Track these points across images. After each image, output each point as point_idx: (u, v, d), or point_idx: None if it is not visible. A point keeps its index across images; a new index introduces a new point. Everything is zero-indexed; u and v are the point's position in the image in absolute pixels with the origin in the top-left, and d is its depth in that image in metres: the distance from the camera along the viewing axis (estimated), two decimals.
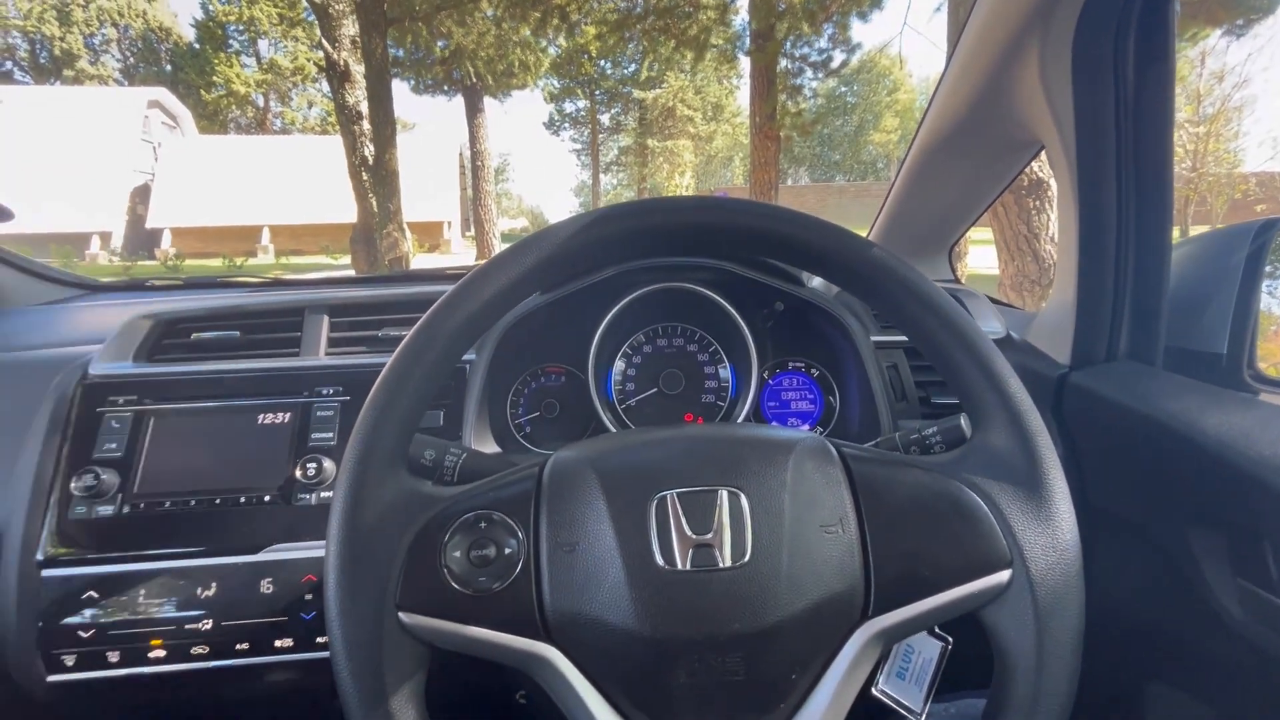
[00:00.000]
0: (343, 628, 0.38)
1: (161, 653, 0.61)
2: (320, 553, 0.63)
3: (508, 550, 0.41)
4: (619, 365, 0.85)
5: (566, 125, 27.62)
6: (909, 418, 0.75)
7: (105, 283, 1.32)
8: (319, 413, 0.69)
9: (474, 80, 14.16)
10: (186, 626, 0.61)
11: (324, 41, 6.93)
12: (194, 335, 0.73)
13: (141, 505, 0.64)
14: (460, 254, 18.70)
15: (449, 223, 20.40)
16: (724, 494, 0.41)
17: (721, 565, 0.39)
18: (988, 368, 0.43)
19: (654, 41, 8.45)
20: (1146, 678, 0.64)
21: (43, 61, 29.04)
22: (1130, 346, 0.68)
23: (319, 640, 0.63)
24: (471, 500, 0.43)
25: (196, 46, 29.13)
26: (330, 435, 0.68)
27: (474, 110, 16.19)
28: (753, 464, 0.42)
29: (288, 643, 0.62)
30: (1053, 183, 2.64)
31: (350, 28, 6.86)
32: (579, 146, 29.57)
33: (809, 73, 9.30)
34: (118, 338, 0.71)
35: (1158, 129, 0.62)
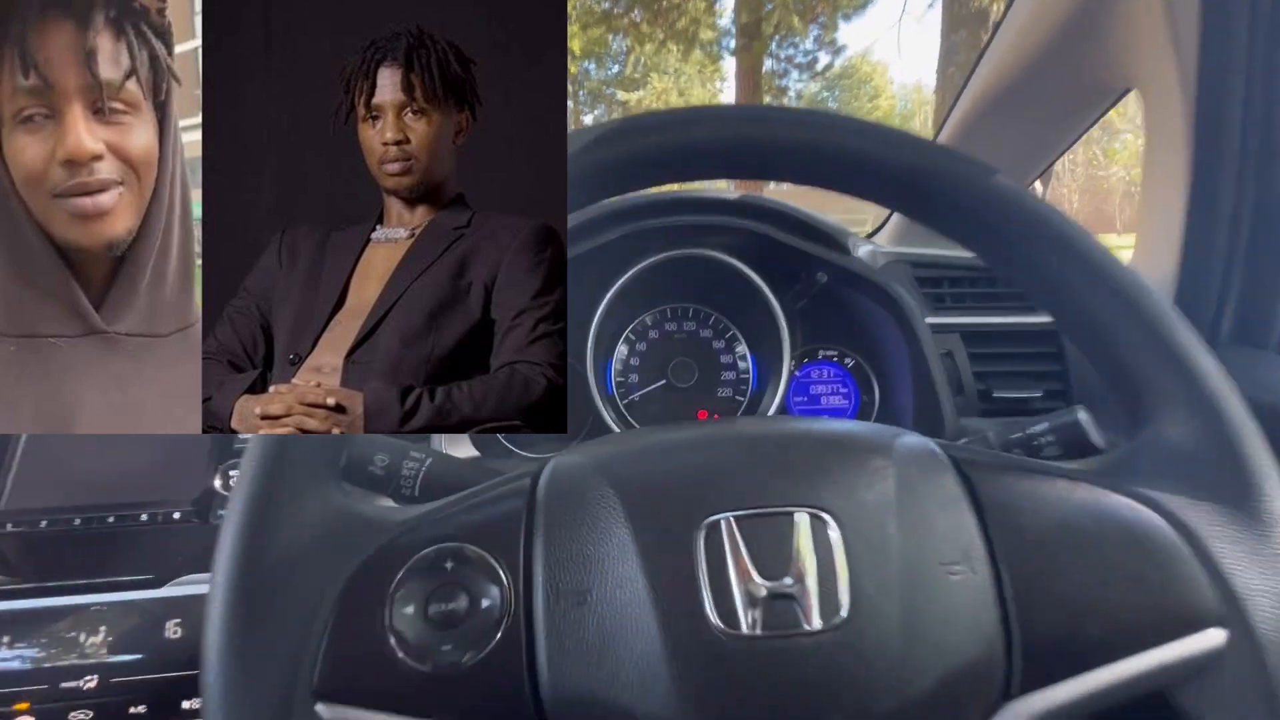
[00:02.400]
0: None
1: None
2: None
3: (485, 603, 0.28)
4: (620, 352, 0.72)
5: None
6: (965, 416, 0.63)
7: None
8: None
9: None
10: (63, 685, 0.47)
11: None
12: None
13: (6, 526, 0.49)
14: None
15: None
16: (803, 518, 0.28)
17: (807, 627, 0.26)
18: (1166, 337, 0.31)
19: (641, 36, 8.32)
20: None
21: None
22: (1238, 329, 0.57)
23: None
24: (433, 528, 0.29)
25: None
26: None
27: None
28: (839, 472, 0.30)
29: (199, 704, 0.48)
30: None
31: None
32: None
33: (794, 74, 9.27)
34: None
35: None
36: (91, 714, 0.47)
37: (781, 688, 0.26)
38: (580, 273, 0.64)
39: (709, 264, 0.66)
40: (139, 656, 0.48)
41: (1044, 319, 0.65)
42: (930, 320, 0.63)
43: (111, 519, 0.50)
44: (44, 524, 0.50)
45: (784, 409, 0.68)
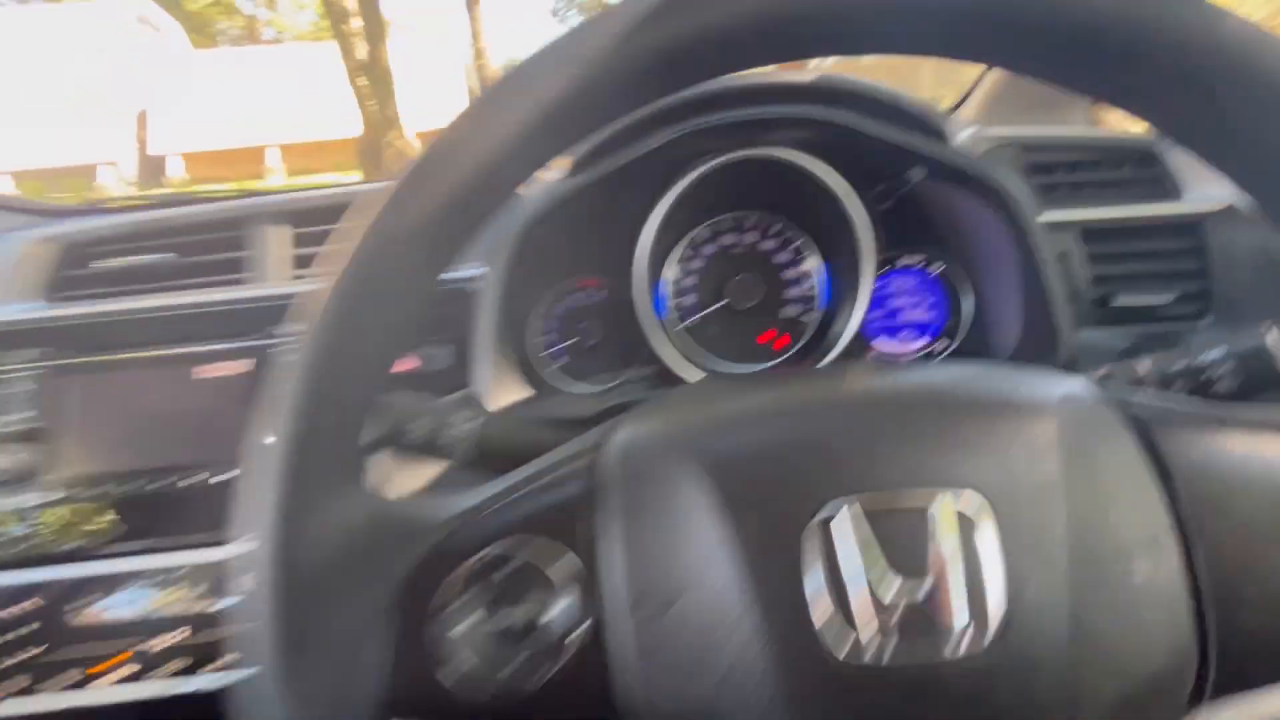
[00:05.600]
0: None
1: (118, 674, 0.48)
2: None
3: (554, 611, 0.24)
4: (671, 272, 0.65)
5: (573, 12, 25.56)
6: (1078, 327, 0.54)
7: (58, 208, 1.14)
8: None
9: None
10: (160, 636, 0.48)
11: None
12: (106, 263, 0.55)
13: (76, 492, 0.49)
14: None
15: None
16: (946, 506, 0.22)
17: (952, 652, 0.21)
18: None
19: None
20: None
21: None
22: None
23: None
24: (485, 524, 0.25)
25: None
26: None
27: (471, 2, 14.93)
28: (990, 443, 0.23)
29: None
30: None
31: None
32: None
33: None
34: (12, 271, 0.54)
35: None
36: (190, 660, 0.49)
37: None
38: (622, 185, 0.56)
39: (773, 165, 0.57)
40: (216, 609, 0.49)
41: (1183, 208, 0.54)
42: (1049, 217, 0.53)
43: (176, 481, 0.49)
44: (109, 488, 0.49)
45: (862, 328, 0.60)
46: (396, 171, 0.24)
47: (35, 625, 0.47)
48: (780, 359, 0.64)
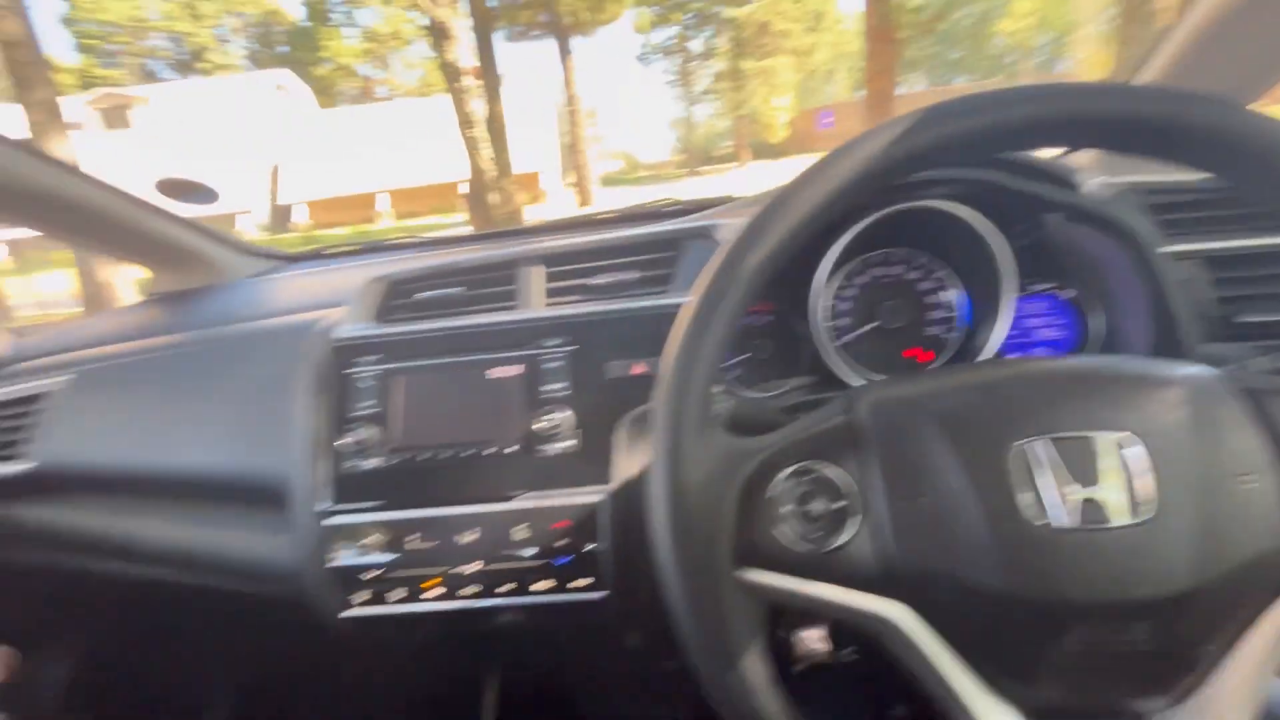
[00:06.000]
0: (684, 589, 0.37)
1: (436, 592, 0.65)
2: (569, 500, 0.65)
3: (836, 505, 0.38)
4: (827, 299, 0.79)
5: (657, 57, 26.60)
6: (1204, 343, 0.63)
7: (295, 253, 1.43)
8: (547, 365, 0.69)
9: (567, 19, 13.87)
10: (455, 570, 0.65)
11: (422, 0, 7.01)
12: (420, 294, 0.75)
13: (402, 458, 0.68)
14: (560, 204, 18.92)
15: (545, 172, 20.64)
16: (1105, 439, 0.35)
17: (1116, 523, 0.33)
18: None
19: None
20: None
21: (182, 57, 32.03)
22: None
23: (574, 584, 0.64)
24: (787, 453, 0.40)
25: (305, 25, 30.77)
26: (561, 386, 0.68)
27: (564, 52, 15.96)
28: (1134, 401, 0.36)
29: (547, 585, 0.65)
30: None
31: None
32: (671, 78, 28.49)
33: None
34: (356, 301, 0.75)
35: None
36: (477, 588, 0.65)
37: (1099, 567, 0.33)
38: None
39: (924, 211, 0.70)
40: (502, 550, 0.65)
41: None
42: (1172, 248, 0.63)
43: (467, 453, 0.67)
44: (423, 456, 0.67)
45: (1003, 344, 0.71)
46: (749, 216, 0.40)
47: (380, 554, 0.66)
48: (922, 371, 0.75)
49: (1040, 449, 0.35)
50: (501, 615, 0.66)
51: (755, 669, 0.37)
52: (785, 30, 21.82)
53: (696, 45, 25.31)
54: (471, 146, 7.07)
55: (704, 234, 0.74)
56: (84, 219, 0.99)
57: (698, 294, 0.40)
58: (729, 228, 0.74)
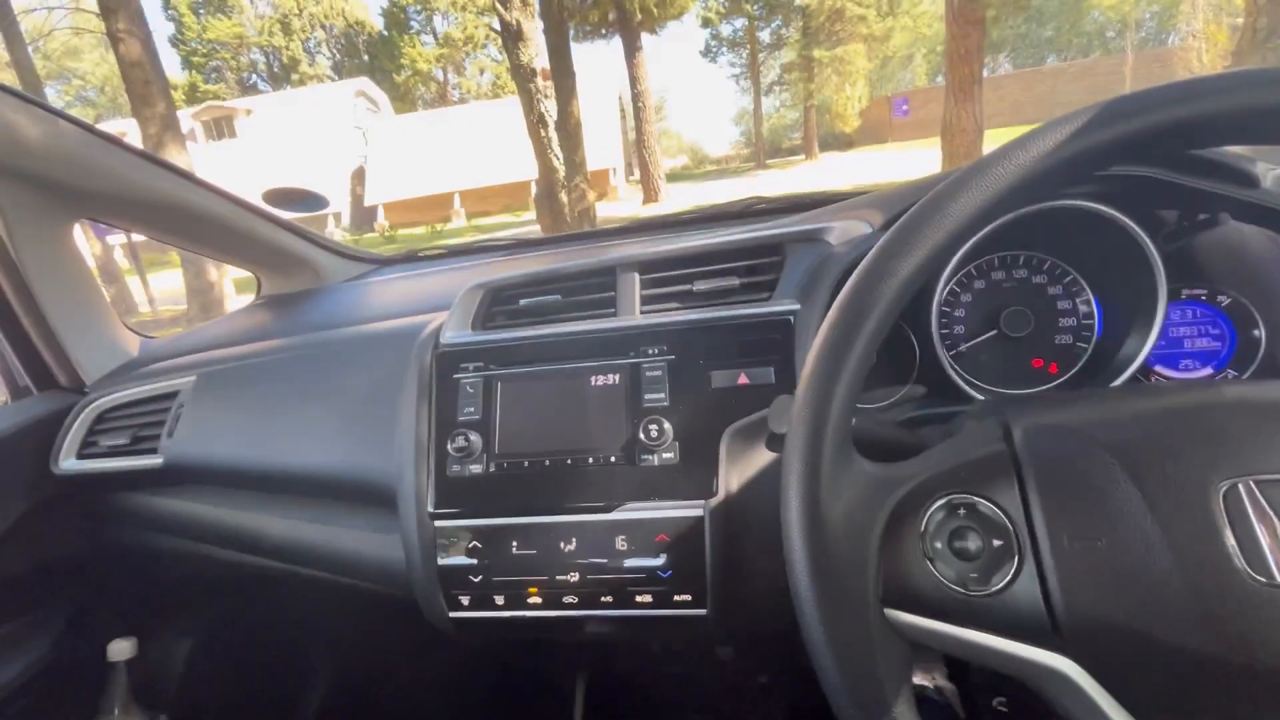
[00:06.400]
0: (826, 629, 0.35)
1: (537, 599, 0.66)
2: (670, 513, 0.63)
3: (997, 544, 0.35)
4: (942, 306, 0.73)
5: (723, 50, 26.26)
6: None
7: (386, 257, 1.48)
8: (648, 373, 0.67)
9: (637, 15, 13.89)
10: (557, 578, 0.65)
11: (497, 4, 7.17)
12: (521, 301, 0.75)
13: (504, 465, 0.68)
14: (626, 199, 19.01)
15: (614, 169, 20.74)
16: None
17: None
18: None
19: None
20: None
21: (275, 70, 34.27)
22: None
23: (676, 599, 0.63)
24: (942, 482, 0.37)
25: (385, 34, 32.24)
26: (662, 396, 0.66)
27: (632, 49, 15.98)
28: None
29: (648, 598, 0.64)
30: None
31: None
32: (737, 70, 28.05)
33: None
34: (458, 307, 0.76)
35: None
36: (576, 599, 0.65)
37: None
38: None
39: (1051, 212, 0.64)
40: (602, 561, 0.64)
41: None
42: None
43: (569, 461, 0.67)
44: (526, 464, 0.68)
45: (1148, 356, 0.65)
46: (889, 232, 0.37)
47: (484, 558, 0.67)
48: (1054, 383, 0.69)
49: (1255, 490, 0.30)
50: (597, 624, 0.66)
51: (905, 714, 0.34)
52: (859, 16, 21.01)
53: (765, 36, 24.79)
54: (542, 147, 7.19)
55: (811, 237, 0.71)
56: (204, 226, 1.06)
57: (841, 306, 0.37)
58: (839, 230, 0.70)
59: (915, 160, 14.55)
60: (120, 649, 0.96)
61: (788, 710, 1.00)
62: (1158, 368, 0.69)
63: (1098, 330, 0.69)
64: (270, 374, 0.89)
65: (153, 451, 0.89)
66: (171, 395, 0.91)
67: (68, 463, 0.91)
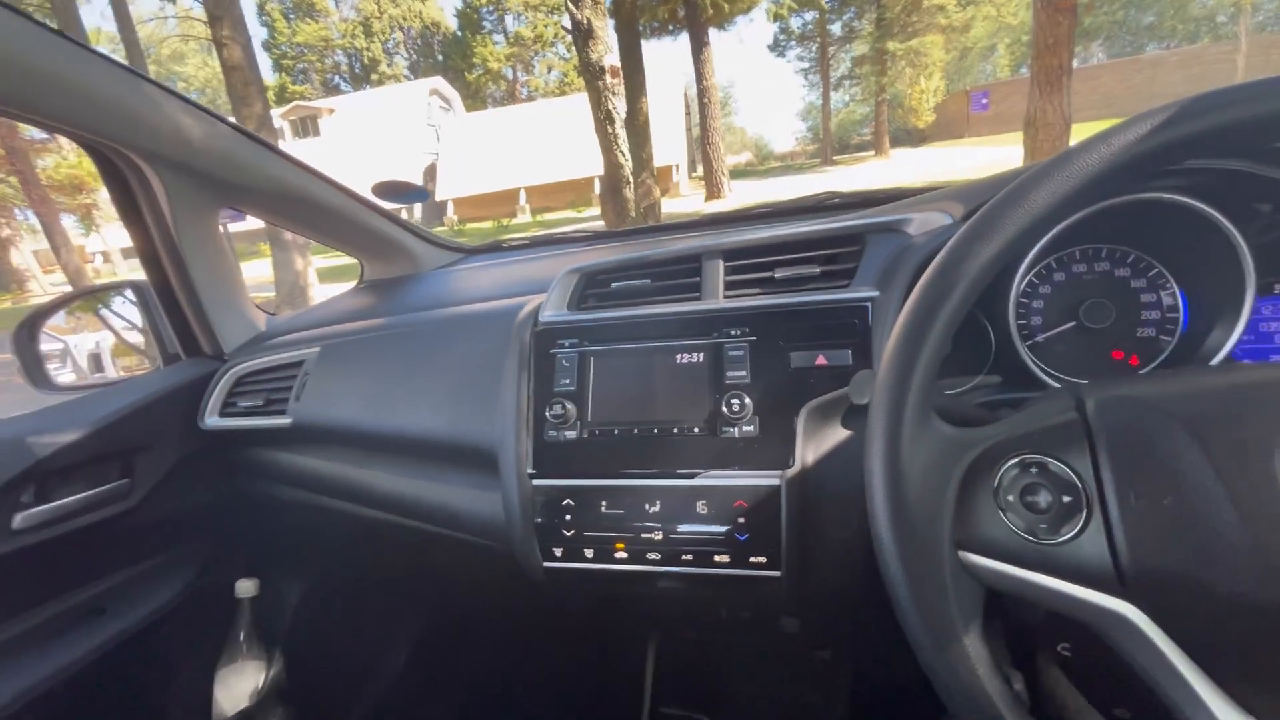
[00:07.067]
0: (904, 567, 0.39)
1: (623, 554, 0.72)
2: (748, 481, 0.68)
3: (1066, 499, 0.38)
4: (1020, 297, 0.75)
5: (792, 44, 25.77)
6: None
7: (474, 246, 1.59)
8: (730, 352, 0.73)
9: (707, 11, 13.85)
10: (642, 535, 0.71)
11: (568, 3, 7.33)
12: (613, 284, 0.82)
13: (596, 432, 0.75)
14: (688, 195, 18.99)
15: (676, 165, 20.77)
16: None
17: None
18: None
19: None
20: None
21: (357, 71, 36.02)
22: None
23: (752, 560, 0.68)
24: (1016, 444, 0.40)
25: (459, 34, 33.32)
26: (743, 374, 0.71)
27: (699, 45, 15.94)
28: None
29: (725, 559, 0.69)
30: None
31: None
32: (806, 65, 27.48)
33: None
34: (556, 289, 0.84)
35: None
36: (659, 555, 0.71)
37: None
38: None
39: (1134, 203, 0.65)
40: (684, 522, 0.70)
41: None
42: None
43: (655, 430, 0.73)
44: (616, 432, 0.74)
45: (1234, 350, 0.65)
46: (970, 225, 0.41)
47: (577, 515, 0.74)
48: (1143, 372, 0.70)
49: None
50: (676, 580, 0.71)
51: (976, 648, 0.39)
52: (938, 6, 20.17)
53: (835, 28, 24.17)
54: (608, 143, 7.30)
55: (891, 228, 0.74)
56: (322, 215, 1.19)
57: (924, 285, 0.42)
58: (919, 222, 0.73)
59: (993, 156, 13.88)
60: (246, 587, 1.09)
61: (848, 685, 1.04)
62: (1245, 361, 0.69)
63: (1183, 323, 0.69)
64: (384, 347, 0.99)
65: (282, 413, 1.01)
66: (298, 364, 1.03)
67: (212, 420, 1.05)
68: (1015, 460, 0.40)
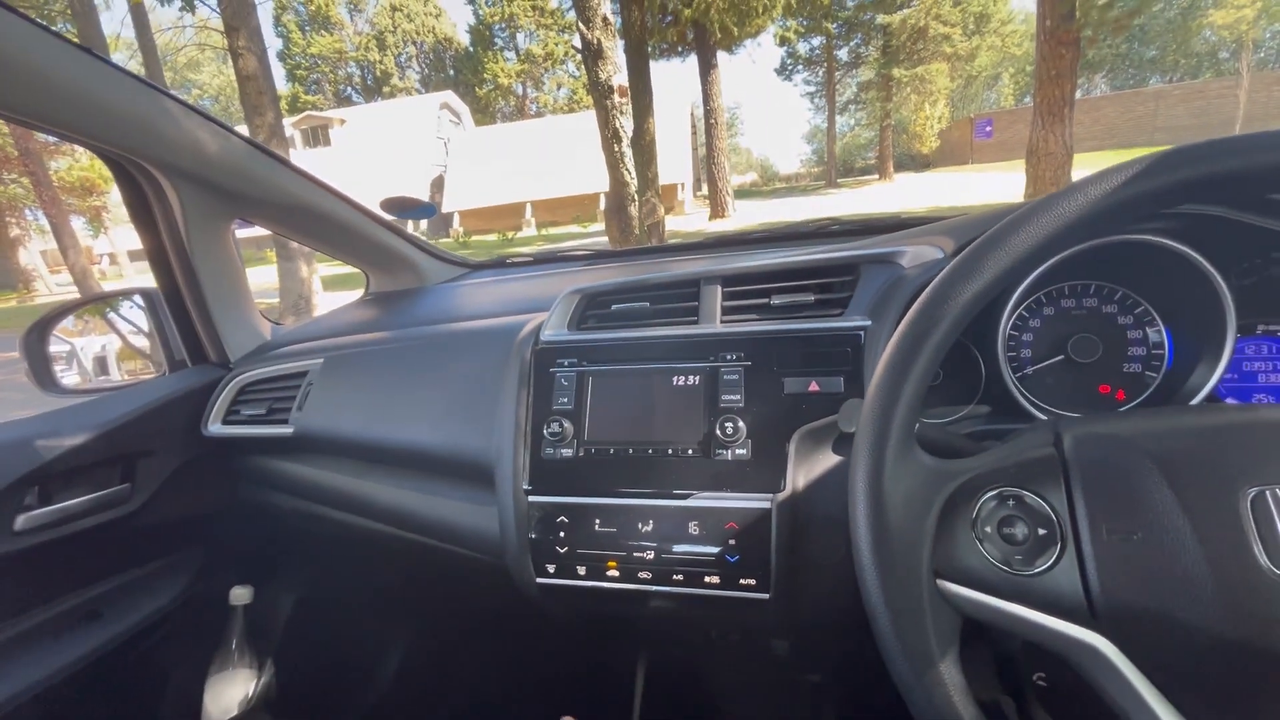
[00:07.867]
0: (884, 593, 0.40)
1: (615, 572, 0.73)
2: (740, 504, 0.70)
3: (1042, 532, 0.40)
4: (1009, 330, 0.77)
5: (799, 67, 26.11)
6: None
7: (478, 262, 1.61)
8: (725, 376, 0.74)
9: (716, 34, 14.07)
10: (634, 554, 0.72)
11: (579, 23, 7.45)
12: (613, 306, 0.84)
13: (593, 450, 0.76)
14: (692, 213, 19.13)
15: (681, 184, 20.95)
16: None
17: None
18: None
19: None
20: None
21: (369, 83, 36.50)
22: None
23: (742, 581, 0.69)
24: (991, 477, 0.42)
25: (471, 50, 33.82)
26: (737, 398, 0.73)
27: (707, 66, 16.16)
28: None
29: (716, 579, 0.70)
30: None
31: (603, 7, 7.27)
32: (812, 88, 27.81)
33: None
34: (557, 309, 0.86)
35: None
36: (650, 575, 0.72)
37: None
38: None
39: (1123, 244, 0.67)
40: (676, 542, 0.71)
41: None
42: None
43: (650, 450, 0.74)
44: (612, 451, 0.76)
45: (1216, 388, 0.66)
46: (963, 252, 0.43)
47: (570, 533, 0.75)
48: (1122, 410, 0.72)
49: (1272, 500, 0.35)
50: (666, 599, 0.72)
51: (952, 674, 0.40)
52: (944, 35, 20.48)
53: (842, 54, 24.50)
54: (614, 161, 7.37)
55: (885, 260, 0.76)
56: (330, 228, 1.21)
57: (910, 321, 0.43)
58: (912, 254, 0.75)
59: (995, 183, 14.00)
60: (240, 594, 1.10)
61: (836, 709, 1.04)
62: (1229, 400, 0.70)
63: (1168, 360, 0.71)
64: (387, 360, 1.01)
65: (284, 422, 1.02)
66: (302, 374, 1.05)
67: (214, 427, 1.06)
68: (994, 492, 0.41)
